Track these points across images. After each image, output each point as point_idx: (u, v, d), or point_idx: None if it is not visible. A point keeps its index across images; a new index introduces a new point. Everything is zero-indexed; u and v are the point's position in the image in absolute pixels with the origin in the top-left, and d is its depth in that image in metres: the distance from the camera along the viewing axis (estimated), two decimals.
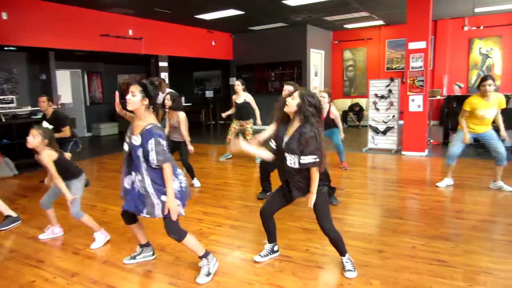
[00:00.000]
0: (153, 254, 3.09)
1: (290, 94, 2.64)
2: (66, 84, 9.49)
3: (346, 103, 11.43)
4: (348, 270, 2.67)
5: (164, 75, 9.64)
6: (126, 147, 2.62)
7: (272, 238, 3.01)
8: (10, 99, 7.46)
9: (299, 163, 2.54)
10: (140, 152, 2.52)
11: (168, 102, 4.96)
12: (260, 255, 2.99)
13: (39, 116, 6.95)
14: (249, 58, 11.55)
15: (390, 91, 7.07)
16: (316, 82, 11.42)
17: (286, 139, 2.63)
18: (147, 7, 7.74)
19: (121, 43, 8.37)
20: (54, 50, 8.35)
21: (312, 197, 2.58)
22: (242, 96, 6.49)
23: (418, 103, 6.63)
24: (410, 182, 5.08)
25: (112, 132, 11.82)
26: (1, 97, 7.26)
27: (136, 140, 2.52)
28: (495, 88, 4.43)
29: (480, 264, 2.77)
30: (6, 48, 7.84)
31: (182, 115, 5.01)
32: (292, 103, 2.59)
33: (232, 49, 11.83)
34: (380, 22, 10.42)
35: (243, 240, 3.41)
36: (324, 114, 5.62)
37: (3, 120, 6.92)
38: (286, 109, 2.64)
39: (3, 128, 6.99)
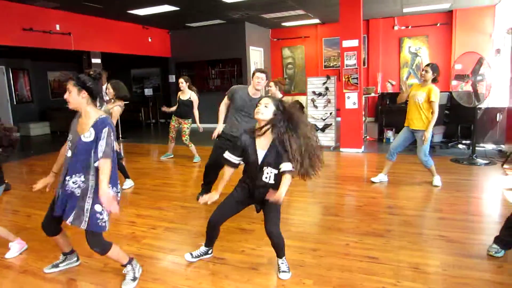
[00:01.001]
0: (78, 259, 2.91)
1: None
2: None
3: (286, 100, 11.60)
4: (283, 271, 2.65)
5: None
6: (69, 153, 2.40)
7: (210, 243, 2.93)
8: None
9: (279, 170, 2.45)
10: (92, 149, 2.33)
11: (110, 91, 4.71)
12: (191, 254, 2.91)
13: None
14: (188, 56, 11.32)
15: (327, 88, 7.27)
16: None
17: (262, 152, 2.51)
18: (75, 1, 7.26)
19: (47, 38, 7.78)
20: None
21: (281, 197, 2.40)
22: (187, 93, 6.33)
23: (353, 100, 6.89)
24: (348, 179, 5.24)
25: (42, 132, 11.06)
26: None
27: (88, 136, 2.33)
28: (431, 78, 4.51)
29: (410, 259, 2.81)
30: None
31: (116, 108, 4.76)
32: (267, 111, 2.47)
33: (170, 46, 11.52)
34: (316, 21, 10.70)
35: (177, 243, 3.30)
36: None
37: None
38: (258, 116, 2.48)
39: None
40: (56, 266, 2.84)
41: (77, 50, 8.51)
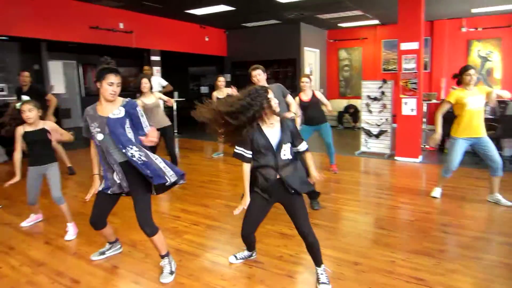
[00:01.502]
0: (121, 247, 3.09)
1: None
2: (58, 74, 9.37)
3: (342, 103, 11.31)
4: (322, 283, 2.52)
5: (157, 70, 9.52)
6: (100, 136, 2.50)
7: (251, 248, 2.91)
8: (0, 87, 7.34)
9: (298, 152, 2.55)
10: (126, 124, 2.52)
11: (147, 86, 4.90)
12: (235, 256, 2.91)
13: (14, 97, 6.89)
14: (243, 55, 11.42)
15: (383, 93, 6.96)
16: (311, 81, 11.28)
17: (273, 135, 2.47)
18: (136, 0, 7.60)
19: (111, 36, 8.23)
20: (46, 41, 8.22)
21: (318, 175, 2.55)
22: (224, 92, 6.41)
23: (411, 106, 6.51)
24: (400, 190, 4.91)
25: None
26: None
27: (117, 113, 2.51)
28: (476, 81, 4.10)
29: (463, 286, 2.54)
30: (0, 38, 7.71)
31: (157, 94, 5.00)
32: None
33: (227, 46, 11.70)
34: (376, 22, 10.29)
35: (218, 242, 3.31)
36: (304, 98, 5.50)
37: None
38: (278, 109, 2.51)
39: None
40: (103, 253, 2.98)
41: (138, 48, 8.91)
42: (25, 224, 3.65)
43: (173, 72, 14.03)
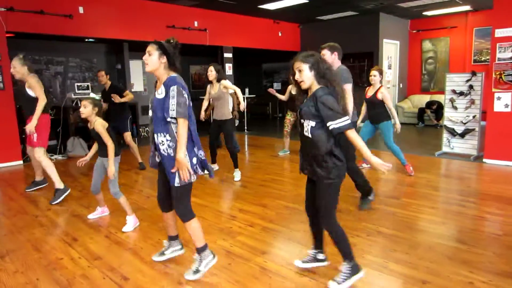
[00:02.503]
0: (182, 248, 2.93)
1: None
2: (138, 73, 10.00)
3: (423, 99, 10.38)
4: (334, 281, 2.38)
5: (229, 66, 9.64)
6: (150, 113, 2.50)
7: (316, 243, 2.67)
8: (85, 86, 8.01)
9: (331, 130, 2.21)
10: (166, 106, 2.34)
11: (212, 74, 4.89)
12: (302, 260, 2.70)
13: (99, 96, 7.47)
14: (318, 50, 11.01)
15: (471, 86, 6.15)
16: (390, 75, 10.54)
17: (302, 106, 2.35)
18: None
19: (186, 34, 8.51)
20: (128, 42, 8.80)
21: (374, 160, 2.25)
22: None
23: (505, 101, 5.66)
24: (488, 198, 4.27)
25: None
26: (78, 84, 7.83)
27: (160, 93, 2.40)
28: None
29: None
30: (86, 40, 8.44)
31: (226, 82, 4.93)
32: (305, 75, 2.28)
33: (300, 40, 11.42)
34: (467, 8, 9.19)
35: (270, 246, 3.14)
36: (369, 93, 5.08)
37: (79, 105, 7.47)
38: (304, 86, 2.31)
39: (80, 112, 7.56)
40: (162, 254, 2.88)
41: (211, 45, 9.09)
42: (91, 216, 3.85)
43: (247, 68, 14.20)
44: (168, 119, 2.36)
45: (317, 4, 8.45)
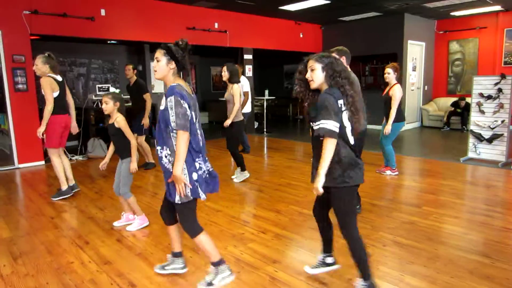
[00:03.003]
0: (184, 267, 2.73)
1: None
2: None
3: (449, 102, 10.00)
4: None
5: (249, 68, 9.59)
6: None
7: (324, 247, 2.60)
8: (106, 87, 8.13)
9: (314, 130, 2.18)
10: (167, 117, 2.24)
11: (225, 74, 4.85)
12: (311, 266, 2.63)
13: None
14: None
15: (500, 90, 5.85)
16: (414, 77, 10.23)
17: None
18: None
19: (207, 36, 8.51)
20: (149, 43, 8.88)
21: (318, 180, 2.14)
22: None
23: None
24: None
25: (202, 121, 12.30)
26: (99, 85, 7.95)
27: (162, 104, 2.28)
28: None
29: None
30: (108, 42, 8.57)
31: (235, 86, 4.82)
32: (316, 74, 2.20)
33: (322, 42, 11.25)
34: (498, 8, 8.79)
35: (281, 255, 3.04)
36: (385, 92, 4.97)
37: (100, 106, 7.59)
38: (314, 86, 2.24)
39: (100, 113, 7.70)
40: (163, 268, 2.74)
41: (231, 47, 9.06)
42: (117, 224, 3.72)
43: (268, 70, 14.14)
44: (169, 132, 2.28)
45: (339, 5, 8.28)
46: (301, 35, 10.61)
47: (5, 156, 6.51)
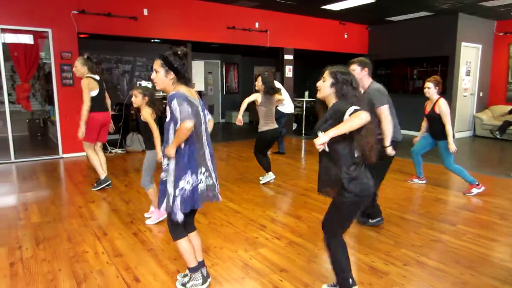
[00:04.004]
0: (204, 282, 2.49)
1: None
2: (200, 73, 10.27)
3: (507, 110, 9.18)
4: None
5: (289, 69, 9.46)
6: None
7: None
8: (147, 84, 8.36)
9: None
10: (171, 128, 2.20)
11: (258, 84, 4.81)
12: (328, 284, 2.51)
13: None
14: (386, 53, 10.38)
15: None
16: (468, 82, 9.52)
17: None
18: None
19: (247, 35, 8.50)
20: (191, 42, 9.04)
21: (324, 135, 1.92)
22: None
23: None
24: None
25: (243, 121, 12.38)
26: (139, 82, 8.22)
27: (168, 116, 2.21)
28: None
29: None
30: (152, 41, 8.84)
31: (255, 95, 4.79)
32: (324, 86, 2.14)
33: (368, 43, 10.83)
34: None
35: (291, 264, 2.91)
36: (428, 108, 4.60)
37: None
38: (319, 95, 2.19)
39: (138, 109, 7.96)
40: (184, 285, 2.50)
41: (271, 47, 8.98)
42: (150, 222, 3.70)
43: (311, 71, 13.86)
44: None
45: (386, 4, 7.90)
46: (345, 36, 10.28)
47: (54, 145, 6.92)
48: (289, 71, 9.45)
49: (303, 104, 10.00)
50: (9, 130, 6.31)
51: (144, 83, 7.84)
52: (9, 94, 7.20)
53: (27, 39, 6.41)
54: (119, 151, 7.30)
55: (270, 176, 5.12)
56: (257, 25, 8.58)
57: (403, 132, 4.21)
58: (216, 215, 3.91)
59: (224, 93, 12.53)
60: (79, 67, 4.57)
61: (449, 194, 4.80)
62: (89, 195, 4.62)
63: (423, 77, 9.64)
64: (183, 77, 2.25)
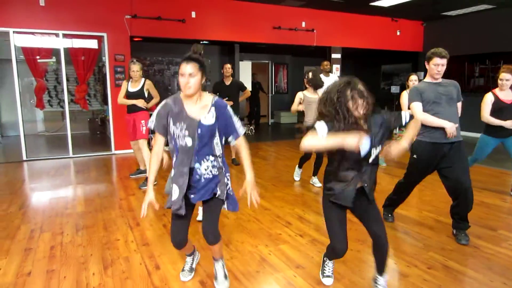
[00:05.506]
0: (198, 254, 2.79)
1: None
2: (247, 73, 10.43)
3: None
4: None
5: (336, 68, 9.28)
6: (189, 141, 2.13)
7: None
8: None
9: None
10: (216, 132, 2.19)
11: (307, 79, 4.80)
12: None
13: None
14: (446, 49, 9.74)
15: None
16: None
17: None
18: None
19: (293, 35, 8.49)
20: (239, 43, 9.24)
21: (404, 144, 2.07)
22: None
23: None
24: None
25: (290, 121, 12.34)
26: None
27: (210, 118, 2.16)
28: None
29: None
30: (201, 42, 9.17)
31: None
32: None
33: (423, 39, 10.27)
34: None
35: (308, 261, 2.88)
36: (503, 96, 4.23)
37: None
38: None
39: None
40: (192, 270, 2.69)
41: (318, 46, 8.88)
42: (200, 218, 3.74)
43: (365, 70, 13.45)
44: (233, 144, 2.33)
45: None
46: (398, 33, 9.86)
47: (108, 142, 7.45)
48: (336, 70, 9.27)
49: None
50: (68, 128, 6.91)
51: None
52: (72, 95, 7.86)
53: (86, 43, 6.98)
54: (166, 148, 7.63)
55: (298, 171, 5.22)
56: (303, 24, 8.53)
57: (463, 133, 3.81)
58: (245, 211, 3.97)
59: (273, 93, 12.59)
60: (140, 71, 4.86)
61: (495, 198, 4.42)
62: (130, 189, 4.92)
63: (485, 74, 8.96)
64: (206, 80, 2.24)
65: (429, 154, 3.16)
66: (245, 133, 2.30)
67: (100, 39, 6.94)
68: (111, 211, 4.03)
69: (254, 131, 9.94)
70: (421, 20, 10.09)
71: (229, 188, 2.32)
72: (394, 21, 9.67)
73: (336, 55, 9.24)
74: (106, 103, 7.73)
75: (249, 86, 10.47)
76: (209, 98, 2.23)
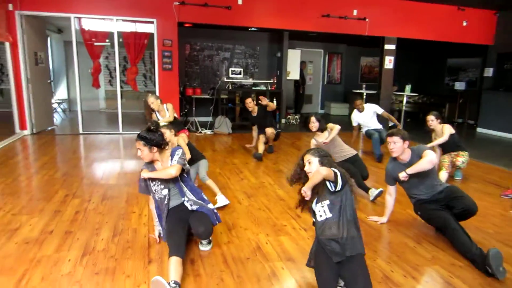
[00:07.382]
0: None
1: None
2: (295, 62, 10.26)
3: None
4: None
5: (389, 60, 8.82)
6: (165, 191, 2.72)
7: None
8: (238, 71, 8.78)
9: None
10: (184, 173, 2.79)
11: (314, 125, 4.71)
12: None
13: (263, 88, 8.22)
14: None
15: None
16: None
17: None
18: None
19: (343, 23, 8.20)
20: (288, 31, 9.14)
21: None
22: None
23: None
24: None
25: (341, 113, 11.96)
26: (232, 69, 8.69)
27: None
28: None
29: None
30: (250, 29, 9.21)
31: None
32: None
33: (495, 31, 9.33)
34: None
35: (303, 255, 2.82)
36: None
37: (230, 88, 8.32)
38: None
39: (231, 94, 8.51)
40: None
41: (370, 36, 8.49)
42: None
43: (429, 63, 12.57)
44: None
45: None
46: (464, 23, 9.06)
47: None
48: (389, 62, 8.82)
49: (402, 99, 9.24)
50: (119, 107, 7.42)
51: (238, 69, 8.35)
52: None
53: (137, 28, 7.38)
54: (208, 131, 7.91)
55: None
56: (355, 12, 8.19)
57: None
58: (259, 199, 4.02)
59: (325, 83, 12.31)
60: (158, 100, 5.13)
61: None
62: None
63: None
64: (166, 144, 2.77)
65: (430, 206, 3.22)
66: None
67: (150, 24, 7.29)
68: (137, 186, 4.30)
69: (298, 120, 9.84)
70: (493, 10, 9.16)
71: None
72: (460, 10, 8.89)
73: (390, 46, 8.76)
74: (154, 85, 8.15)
75: (297, 75, 10.34)
76: (169, 150, 2.78)
